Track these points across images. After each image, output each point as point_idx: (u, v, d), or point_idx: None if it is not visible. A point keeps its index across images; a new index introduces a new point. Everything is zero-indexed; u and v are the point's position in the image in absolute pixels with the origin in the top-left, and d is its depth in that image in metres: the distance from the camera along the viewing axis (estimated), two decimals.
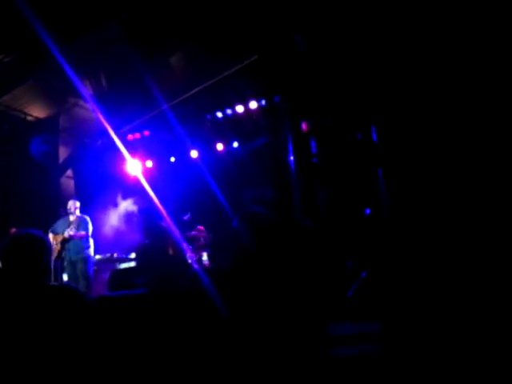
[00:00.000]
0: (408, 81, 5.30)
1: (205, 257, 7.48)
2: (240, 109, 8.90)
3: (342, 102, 6.46)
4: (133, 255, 8.18)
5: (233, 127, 9.27)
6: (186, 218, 8.23)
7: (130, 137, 10.18)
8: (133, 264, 7.91)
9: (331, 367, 2.22)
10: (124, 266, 7.91)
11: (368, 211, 5.55)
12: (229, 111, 9.07)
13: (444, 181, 4.68)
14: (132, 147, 9.87)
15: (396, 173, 5.41)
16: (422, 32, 5.15)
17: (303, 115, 6.88)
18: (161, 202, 8.04)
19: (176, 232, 6.96)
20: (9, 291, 2.21)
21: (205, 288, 2.13)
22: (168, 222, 7.18)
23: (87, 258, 7.16)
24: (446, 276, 3.33)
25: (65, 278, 7.32)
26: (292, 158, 6.90)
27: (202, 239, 7.96)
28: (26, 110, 9.77)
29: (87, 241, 7.25)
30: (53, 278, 6.43)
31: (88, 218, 7.45)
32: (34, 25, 6.69)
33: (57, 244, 7.18)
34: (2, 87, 8.99)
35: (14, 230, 8.13)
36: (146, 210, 8.23)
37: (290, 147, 6.97)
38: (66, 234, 7.15)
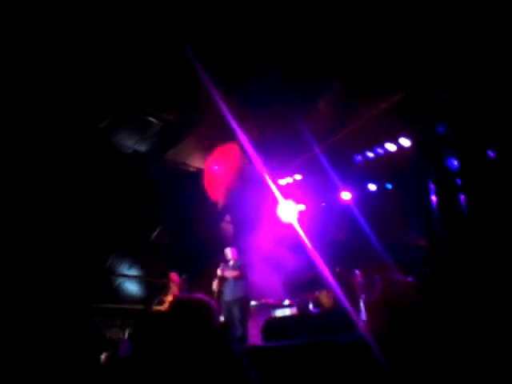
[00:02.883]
0: None
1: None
2: (391, 147, 8.57)
3: (491, 146, 5.86)
4: (287, 302, 8.21)
5: (385, 166, 8.93)
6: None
7: (282, 181, 10.40)
8: (288, 311, 7.91)
9: None
10: (279, 313, 7.94)
11: None
12: (379, 150, 8.79)
13: None
14: (285, 191, 10.06)
15: None
16: None
17: (447, 157, 6.36)
18: (315, 248, 7.98)
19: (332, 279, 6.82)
20: (174, 353, 2.27)
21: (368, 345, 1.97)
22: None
23: (243, 300, 7.28)
24: None
25: (221, 319, 7.53)
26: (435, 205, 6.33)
27: (358, 284, 7.66)
28: (187, 162, 10.62)
29: (242, 282, 7.41)
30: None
31: (244, 261, 7.66)
32: (197, 82, 7.26)
33: (216, 287, 7.51)
34: (168, 142, 9.91)
35: (173, 273, 8.72)
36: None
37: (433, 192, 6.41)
38: (219, 272, 7.43)
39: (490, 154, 6.28)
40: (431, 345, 1.96)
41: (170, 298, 8.40)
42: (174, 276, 8.70)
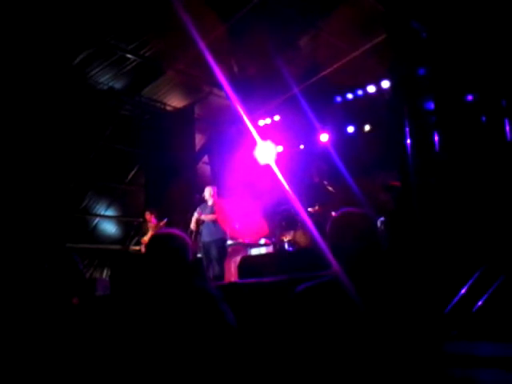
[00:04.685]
0: None
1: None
2: (371, 89, 8.49)
3: (470, 90, 5.80)
4: (263, 241, 8.32)
5: (365, 108, 8.87)
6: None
7: (261, 122, 10.29)
8: (264, 250, 8.03)
9: None
10: (255, 251, 8.05)
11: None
12: (359, 92, 8.71)
13: None
14: (263, 132, 9.97)
15: None
16: None
17: (425, 99, 6.29)
18: (291, 188, 8.00)
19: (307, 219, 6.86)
20: (150, 288, 2.30)
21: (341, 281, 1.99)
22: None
23: (220, 242, 7.35)
24: None
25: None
26: (409, 143, 6.30)
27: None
28: (165, 101, 10.40)
29: (219, 225, 7.45)
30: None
31: (223, 203, 7.68)
32: (177, 16, 6.98)
33: (194, 227, 7.53)
34: (144, 79, 9.65)
35: (149, 213, 8.71)
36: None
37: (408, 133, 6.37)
38: (196, 215, 7.46)
39: (469, 97, 6.26)
40: (393, 280, 1.99)
41: (146, 240, 8.44)
42: (149, 216, 8.69)
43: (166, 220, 8.47)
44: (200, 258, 7.18)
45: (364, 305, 1.84)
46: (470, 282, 3.23)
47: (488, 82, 5.76)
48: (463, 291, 3.18)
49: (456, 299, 3.07)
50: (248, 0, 7.53)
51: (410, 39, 6.33)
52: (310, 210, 7.58)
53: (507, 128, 5.24)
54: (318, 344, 1.87)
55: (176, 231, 2.45)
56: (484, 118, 5.63)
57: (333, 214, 6.46)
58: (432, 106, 6.16)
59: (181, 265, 2.31)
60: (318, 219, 7.18)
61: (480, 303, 3.07)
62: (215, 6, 7.54)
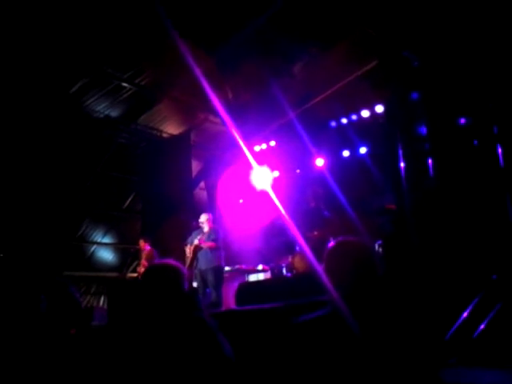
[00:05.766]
0: None
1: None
2: (366, 114, 8.58)
3: (462, 114, 5.90)
4: (261, 267, 8.27)
5: (359, 133, 8.94)
6: None
7: (256, 148, 10.34)
8: (262, 276, 7.97)
9: None
10: (253, 277, 7.99)
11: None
12: (354, 117, 8.79)
13: None
14: (259, 158, 10.01)
15: None
16: None
17: (418, 124, 6.37)
18: (288, 213, 8.00)
19: (304, 244, 6.84)
20: (146, 319, 2.30)
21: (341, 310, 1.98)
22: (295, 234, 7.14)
23: (217, 269, 7.30)
24: None
25: (194, 285, 7.56)
26: (402, 167, 6.34)
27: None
28: (161, 128, 10.47)
29: (217, 252, 7.41)
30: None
31: (219, 230, 7.66)
32: (172, 45, 7.08)
33: (190, 253, 7.47)
34: (140, 107, 9.74)
35: (142, 241, 8.72)
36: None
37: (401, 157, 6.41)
38: (196, 242, 7.41)
39: (462, 121, 6.34)
40: (392, 305, 1.99)
41: (142, 269, 8.44)
42: (143, 244, 8.69)
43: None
44: (195, 288, 7.13)
45: (362, 332, 1.84)
46: (470, 309, 3.22)
47: (479, 108, 5.84)
48: (463, 317, 3.17)
49: (455, 326, 3.06)
50: (237, 31, 7.65)
51: (402, 68, 6.43)
52: (307, 235, 7.55)
53: (499, 152, 5.30)
54: (316, 377, 1.86)
55: (171, 261, 2.45)
56: (476, 142, 5.69)
57: (331, 239, 6.44)
58: (425, 130, 6.23)
59: (177, 296, 2.32)
60: (316, 244, 7.15)
61: (482, 327, 3.06)
62: (202, 41, 7.64)
